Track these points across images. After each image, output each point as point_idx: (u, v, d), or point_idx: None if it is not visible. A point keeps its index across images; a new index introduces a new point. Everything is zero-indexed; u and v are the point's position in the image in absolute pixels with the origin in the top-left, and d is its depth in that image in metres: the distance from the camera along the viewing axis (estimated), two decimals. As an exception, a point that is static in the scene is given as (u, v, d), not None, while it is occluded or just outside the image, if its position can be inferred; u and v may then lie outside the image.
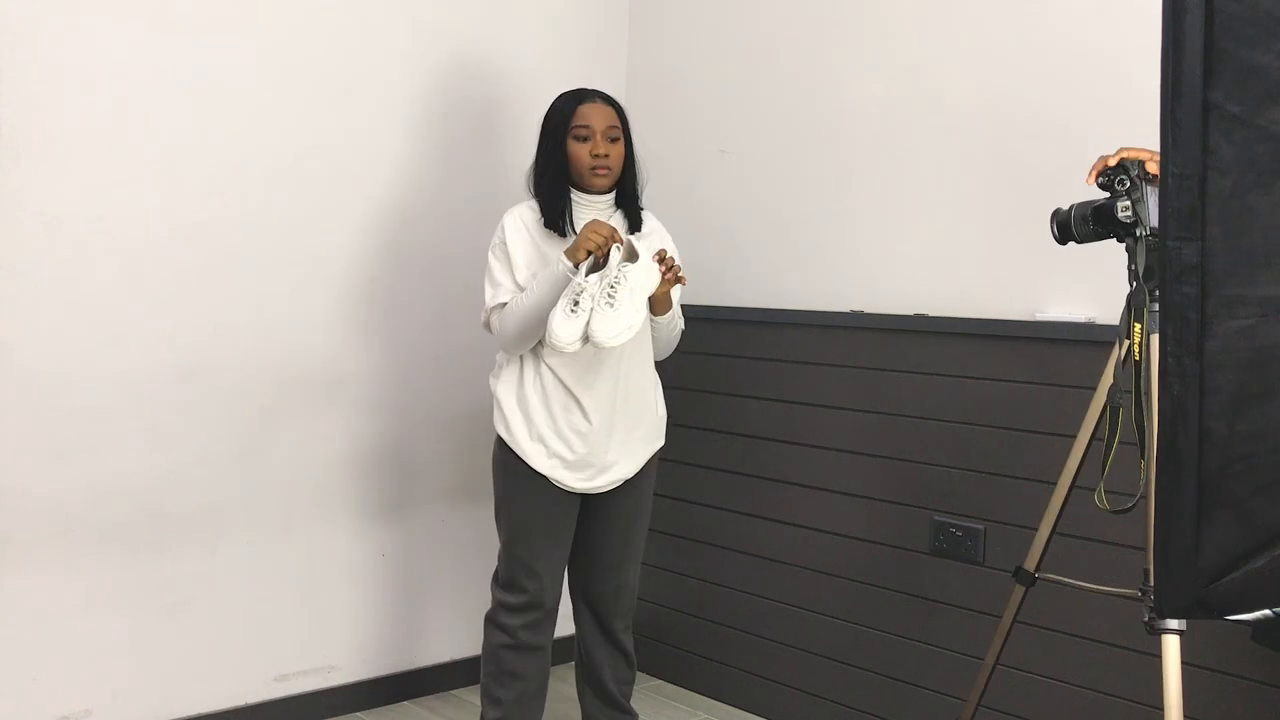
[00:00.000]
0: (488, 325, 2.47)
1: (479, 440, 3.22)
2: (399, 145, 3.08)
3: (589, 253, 2.30)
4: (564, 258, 2.32)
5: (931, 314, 2.77)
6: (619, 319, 2.26)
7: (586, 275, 2.29)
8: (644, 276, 2.33)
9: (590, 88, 2.51)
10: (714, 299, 3.26)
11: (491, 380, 2.53)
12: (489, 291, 2.45)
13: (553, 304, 2.29)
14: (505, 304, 2.40)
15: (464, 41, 3.20)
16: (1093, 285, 2.47)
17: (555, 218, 2.43)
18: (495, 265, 2.45)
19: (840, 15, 2.99)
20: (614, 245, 2.30)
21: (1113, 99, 2.44)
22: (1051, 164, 2.54)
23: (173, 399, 2.72)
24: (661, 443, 2.60)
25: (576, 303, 2.26)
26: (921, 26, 2.81)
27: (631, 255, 2.33)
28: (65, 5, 2.52)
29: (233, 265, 2.80)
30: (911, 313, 2.81)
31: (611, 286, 2.27)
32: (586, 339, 2.25)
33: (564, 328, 2.25)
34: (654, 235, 2.56)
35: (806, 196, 3.07)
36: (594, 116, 2.42)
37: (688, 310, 3.12)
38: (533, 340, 2.38)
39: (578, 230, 2.42)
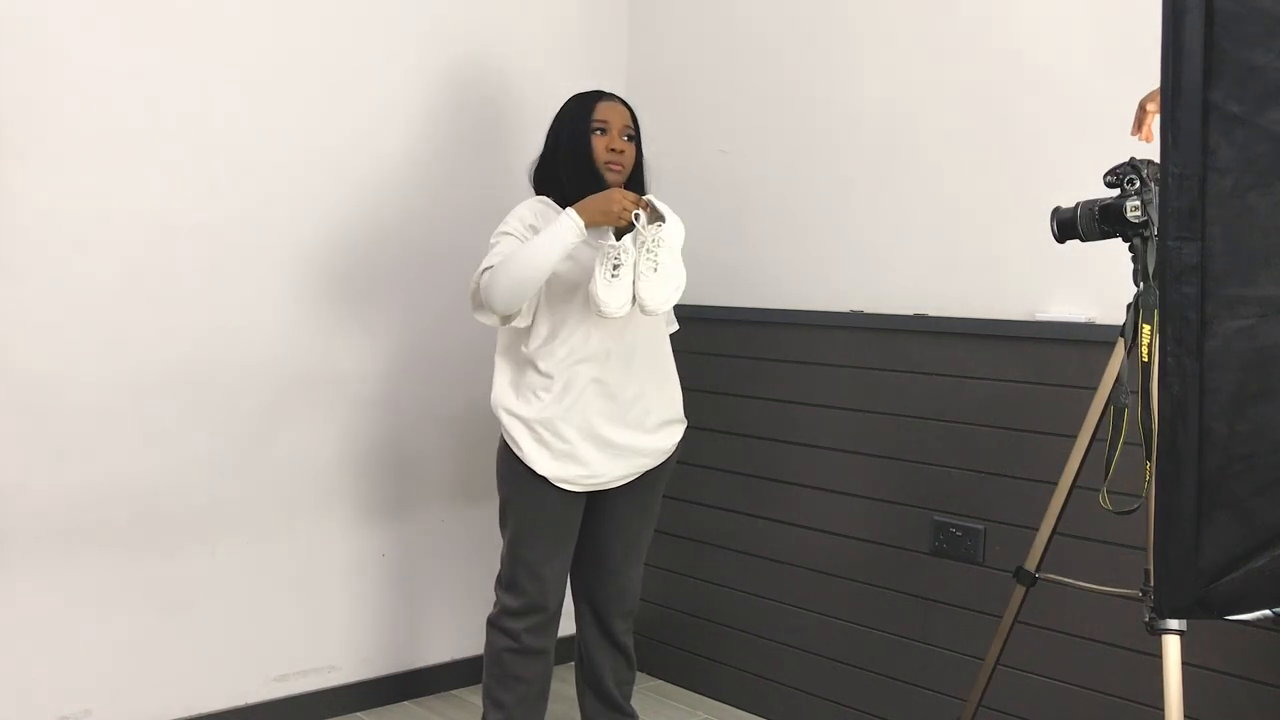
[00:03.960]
0: (474, 293, 2.36)
1: (479, 440, 3.22)
2: (399, 145, 3.08)
3: (617, 220, 2.27)
4: (573, 215, 2.26)
5: (931, 314, 2.77)
6: (668, 282, 2.27)
7: (617, 239, 2.29)
8: (676, 233, 2.32)
9: (605, 89, 2.52)
10: (714, 299, 3.26)
11: (495, 409, 2.47)
12: (487, 260, 2.36)
13: (552, 258, 2.26)
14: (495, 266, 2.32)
15: (464, 42, 3.20)
16: (1093, 285, 2.47)
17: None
18: (507, 244, 2.37)
19: (840, 15, 2.99)
20: (638, 210, 2.29)
21: (1113, 98, 2.43)
22: (1051, 164, 2.54)
23: (173, 399, 2.72)
24: (681, 426, 2.57)
25: (615, 269, 2.26)
26: (922, 26, 2.81)
27: (654, 214, 2.31)
28: (66, 5, 2.52)
29: (233, 265, 2.80)
30: (911, 313, 2.81)
31: (650, 252, 2.27)
32: (634, 303, 2.26)
33: (610, 295, 2.25)
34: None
35: (807, 196, 3.07)
36: (612, 114, 2.44)
37: (688, 310, 3.12)
38: (523, 294, 2.28)
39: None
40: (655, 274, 2.27)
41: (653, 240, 2.28)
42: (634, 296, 2.27)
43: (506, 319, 2.37)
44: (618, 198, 2.29)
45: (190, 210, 2.73)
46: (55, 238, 2.54)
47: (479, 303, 2.36)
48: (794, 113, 3.10)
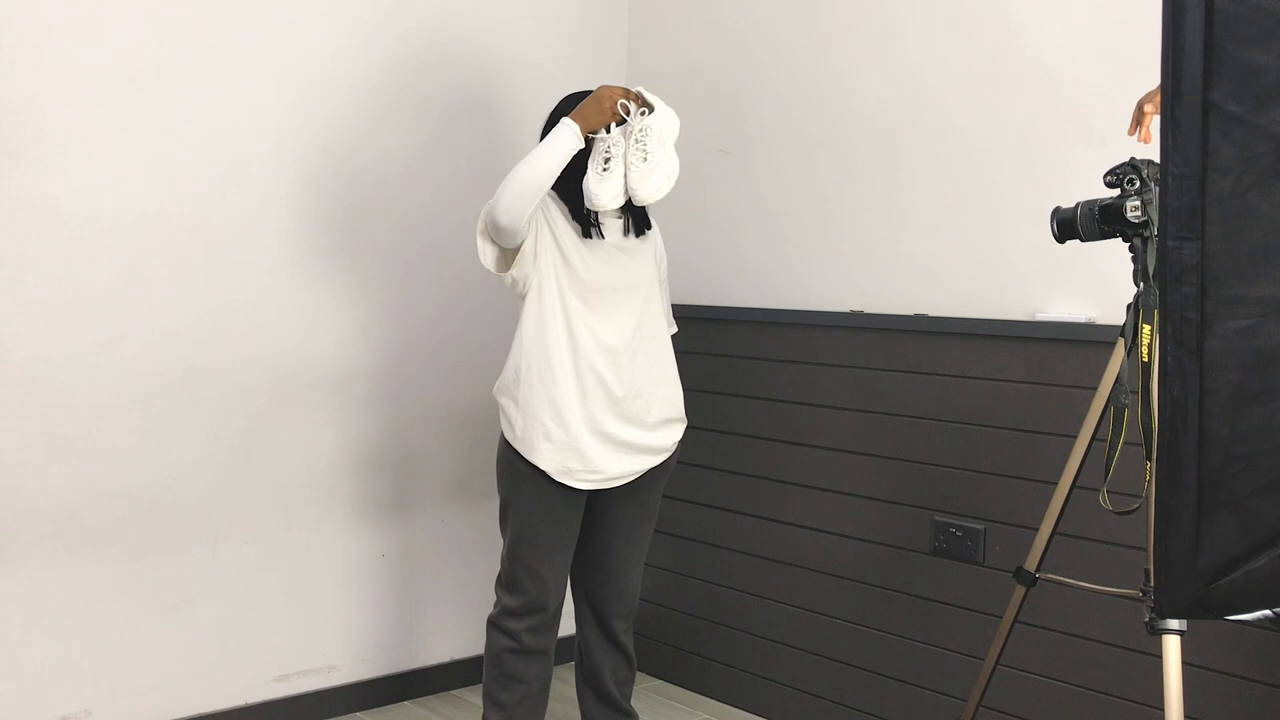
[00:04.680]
0: (482, 230, 2.36)
1: (479, 439, 3.22)
2: (398, 145, 3.08)
3: (610, 114, 2.30)
4: (568, 121, 2.29)
5: (931, 314, 2.77)
6: (657, 171, 2.30)
7: (608, 133, 2.31)
8: (666, 122, 2.34)
9: None
10: (714, 299, 3.26)
11: (499, 395, 2.48)
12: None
13: (552, 163, 2.27)
14: None
15: (465, 42, 3.20)
16: (1093, 285, 2.47)
17: (583, 214, 2.41)
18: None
19: (840, 15, 2.99)
20: (626, 101, 2.31)
21: (1113, 98, 2.44)
22: (1051, 164, 2.55)
23: (172, 399, 2.72)
24: (682, 424, 2.57)
25: (607, 162, 2.29)
26: (921, 26, 2.81)
27: (645, 106, 2.33)
28: (66, 5, 2.52)
29: (232, 265, 2.80)
30: (911, 313, 2.81)
31: (639, 142, 2.29)
32: (626, 196, 2.29)
33: (602, 188, 2.29)
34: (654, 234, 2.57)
35: (806, 197, 3.07)
36: None
37: (689, 310, 3.13)
38: (525, 201, 2.26)
39: (603, 230, 2.43)
40: (645, 163, 2.29)
41: (640, 130, 2.30)
42: (626, 188, 2.30)
43: (504, 260, 2.37)
44: (606, 93, 2.32)
45: (190, 210, 2.73)
46: (55, 238, 2.54)
47: (485, 230, 2.36)
48: (793, 112, 3.10)
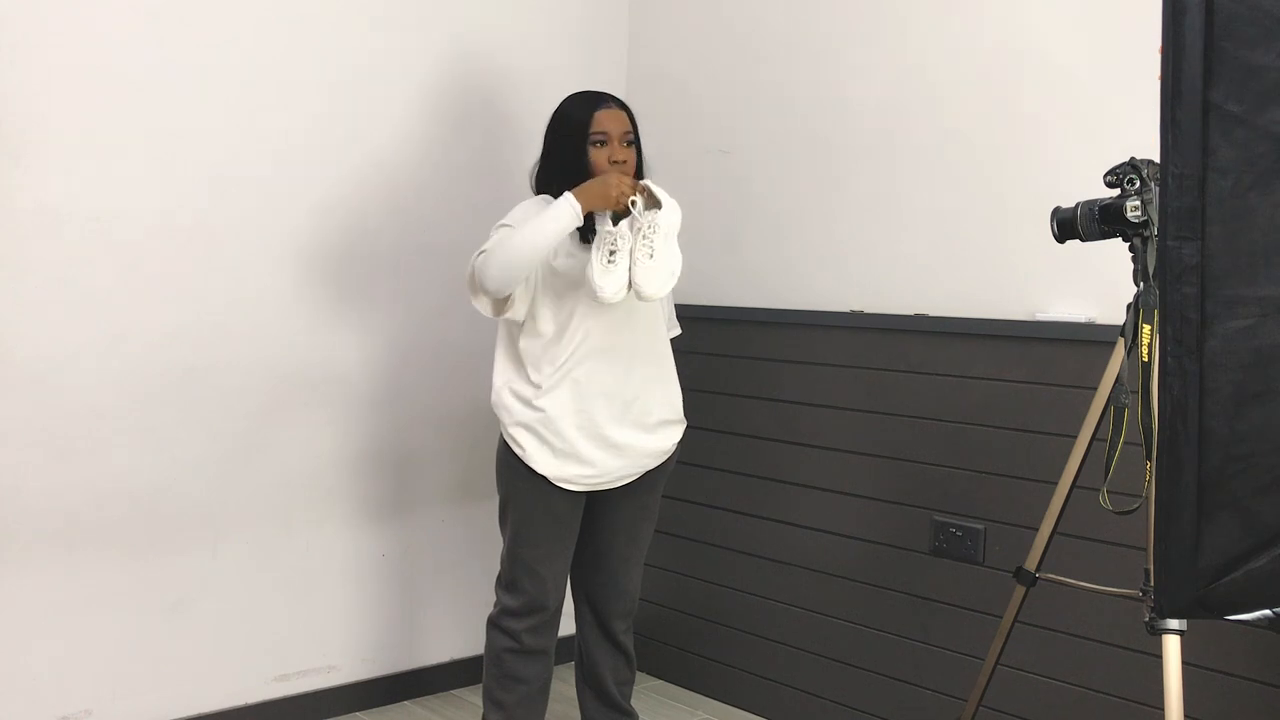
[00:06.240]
0: (470, 277, 2.36)
1: (479, 439, 3.22)
2: (398, 145, 3.08)
3: (615, 204, 2.29)
4: (571, 199, 2.27)
5: (931, 314, 2.77)
6: (662, 268, 2.29)
7: (614, 225, 2.30)
8: (672, 219, 2.33)
9: (601, 91, 2.49)
10: (714, 299, 3.26)
11: (496, 408, 2.47)
12: (484, 245, 2.34)
13: (547, 240, 2.26)
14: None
15: (464, 43, 3.20)
16: (1093, 285, 2.47)
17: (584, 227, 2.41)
18: (505, 234, 2.35)
19: (841, 15, 2.99)
20: (635, 196, 2.31)
21: (1113, 98, 2.44)
22: (1052, 164, 2.54)
23: (172, 399, 2.72)
24: (681, 426, 2.57)
25: (612, 254, 2.28)
26: (921, 26, 2.81)
27: (651, 199, 2.32)
28: (66, 5, 2.52)
29: (232, 265, 2.80)
30: (911, 313, 2.81)
31: (646, 238, 2.29)
32: (630, 288, 2.28)
33: (607, 281, 2.27)
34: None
35: (806, 196, 3.07)
36: (610, 123, 2.41)
37: (689, 310, 3.12)
38: (514, 275, 2.27)
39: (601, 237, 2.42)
40: (651, 260, 2.28)
41: (649, 226, 2.29)
42: (630, 282, 2.28)
43: (499, 308, 2.37)
44: (614, 182, 2.30)
45: (190, 210, 2.72)
46: (55, 237, 2.54)
47: (475, 287, 2.36)
48: (793, 112, 3.10)
